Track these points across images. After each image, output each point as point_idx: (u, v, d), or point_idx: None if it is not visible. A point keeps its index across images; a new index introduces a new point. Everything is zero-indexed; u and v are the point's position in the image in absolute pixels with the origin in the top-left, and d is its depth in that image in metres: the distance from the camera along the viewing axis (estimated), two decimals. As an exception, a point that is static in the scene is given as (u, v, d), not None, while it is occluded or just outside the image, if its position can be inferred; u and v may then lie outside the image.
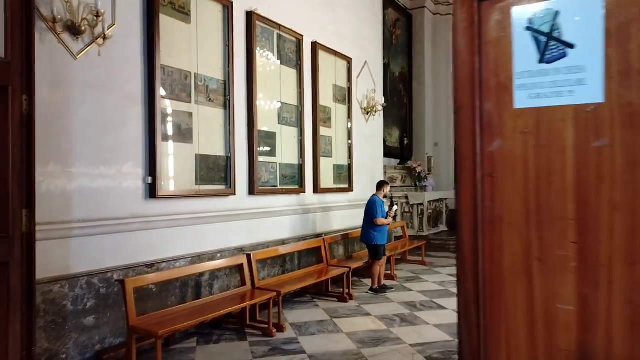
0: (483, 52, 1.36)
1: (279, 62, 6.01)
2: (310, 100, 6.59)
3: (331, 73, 7.13)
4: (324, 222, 6.77)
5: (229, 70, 5.13)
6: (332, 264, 6.05)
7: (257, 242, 5.46)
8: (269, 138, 5.82)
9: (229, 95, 5.13)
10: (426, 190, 10.34)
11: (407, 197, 9.89)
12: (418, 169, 10.32)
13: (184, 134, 4.64)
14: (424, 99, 12.25)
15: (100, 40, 3.77)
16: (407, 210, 9.97)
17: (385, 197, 6.47)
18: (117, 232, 3.98)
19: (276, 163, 5.91)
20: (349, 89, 7.58)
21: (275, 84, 5.95)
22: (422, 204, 10.00)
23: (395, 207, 6.60)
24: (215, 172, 5.00)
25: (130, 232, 4.09)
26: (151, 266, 4.21)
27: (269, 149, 5.78)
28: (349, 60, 7.55)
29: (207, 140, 4.88)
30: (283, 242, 5.82)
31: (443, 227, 11.19)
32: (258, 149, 5.53)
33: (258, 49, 5.57)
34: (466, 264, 1.39)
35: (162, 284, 4.24)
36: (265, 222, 5.66)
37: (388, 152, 9.88)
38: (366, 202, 7.66)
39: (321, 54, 6.79)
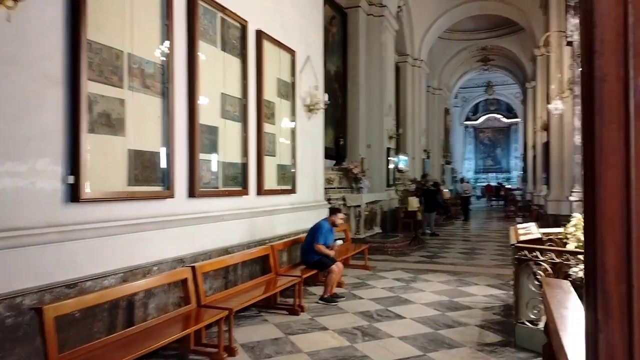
0: (637, 4, 0.98)
1: (222, 48, 5.37)
2: (254, 93, 6.01)
3: (275, 66, 6.59)
4: (267, 227, 6.21)
5: (168, 53, 4.42)
6: (281, 273, 5.52)
7: (199, 252, 4.79)
8: (211, 133, 5.16)
9: (168, 81, 4.43)
10: (362, 192, 10.14)
11: (344, 199, 9.61)
12: (355, 170, 10.09)
13: (114, 124, 3.87)
14: (358, 99, 12.09)
15: (10, 2, 2.95)
16: (344, 212, 9.67)
17: (334, 225, 6.15)
18: (28, 246, 3.15)
19: (219, 162, 5.27)
20: (293, 84, 7.09)
21: (219, 72, 5.31)
22: (359, 206, 9.78)
23: (339, 242, 6.34)
24: (150, 171, 4.27)
25: (45, 245, 3.27)
26: (73, 286, 3.42)
27: (210, 145, 5.13)
28: (293, 54, 7.06)
29: (141, 133, 4.15)
30: (226, 251, 5.19)
31: (377, 229, 11.09)
32: (200, 145, 4.87)
33: (201, 31, 4.91)
34: (611, 300, 1.00)
35: (88, 307, 3.46)
36: (207, 228, 4.99)
37: (325, 153, 9.52)
38: (309, 204, 7.26)
39: (266, 45, 6.24)
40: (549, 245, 4.57)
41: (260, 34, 6.10)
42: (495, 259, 8.81)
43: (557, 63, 8.67)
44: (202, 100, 4.91)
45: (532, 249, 4.08)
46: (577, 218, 5.16)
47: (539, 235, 4.43)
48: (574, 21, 5.73)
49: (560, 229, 5.62)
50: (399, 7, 14.51)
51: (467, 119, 35.65)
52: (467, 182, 22.55)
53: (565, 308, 2.77)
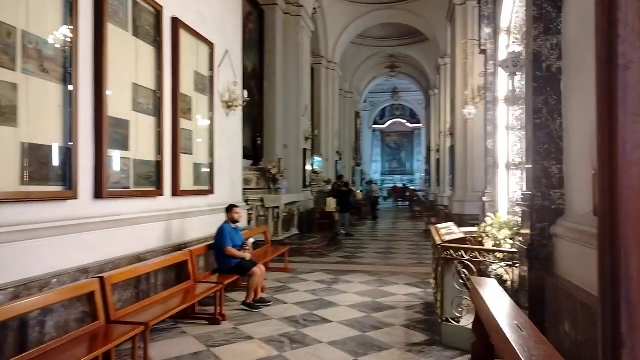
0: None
1: (134, 34, 4.86)
2: (170, 86, 5.54)
3: (193, 58, 6.16)
4: (183, 230, 5.76)
5: (71, 34, 3.86)
6: (200, 280, 5.13)
7: (106, 260, 4.26)
8: (122, 127, 4.63)
9: (71, 66, 3.87)
10: (280, 192, 9.94)
11: (262, 200, 9.34)
12: (273, 171, 9.85)
13: (4, 112, 3.28)
14: (275, 99, 11.87)
15: None
16: (262, 214, 9.41)
17: (234, 221, 5.77)
18: None
19: (129, 159, 4.75)
20: (211, 79, 6.69)
21: (130, 60, 4.79)
22: (277, 208, 9.57)
23: (251, 240, 5.94)
24: (49, 168, 3.69)
25: None
26: (-52, 306, 2.81)
27: (121, 140, 4.61)
28: (211, 46, 6.67)
29: (38, 124, 3.57)
30: (139, 258, 4.69)
31: (295, 231, 10.95)
32: (108, 139, 4.34)
33: (110, 12, 4.38)
34: (636, 311, 0.91)
35: (-32, 332, 2.87)
36: (116, 233, 4.47)
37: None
38: (227, 206, 6.90)
39: (183, 34, 5.79)
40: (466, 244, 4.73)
41: (176, 22, 5.65)
42: (409, 257, 9.09)
43: (470, 70, 9.19)
44: (111, 90, 4.38)
45: (457, 249, 4.18)
46: (493, 218, 5.43)
47: (462, 235, 4.57)
48: (487, 30, 6.04)
49: (474, 229, 5.90)
50: (314, 8, 14.53)
51: (375, 123, 37.06)
52: (375, 184, 23.44)
53: (501, 307, 2.82)
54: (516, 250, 3.91)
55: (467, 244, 4.41)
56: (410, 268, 7.92)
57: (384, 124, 37.29)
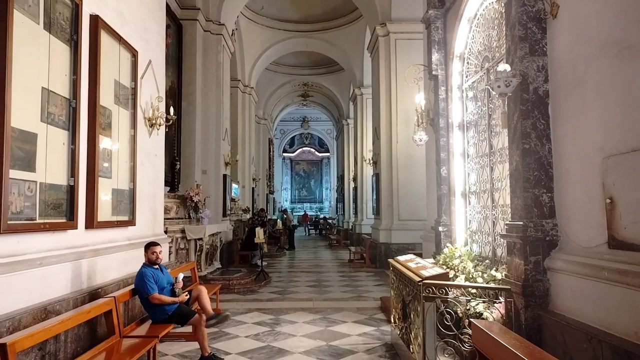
0: None
1: (46, 28, 3.89)
2: (87, 95, 4.57)
3: (114, 65, 5.22)
4: (97, 271, 4.69)
5: (-36, 13, 2.88)
6: (127, 334, 4.11)
7: (1, 316, 3.17)
8: (28, 142, 3.61)
9: (-38, 56, 2.87)
10: (203, 222, 8.96)
11: (183, 231, 8.30)
12: (195, 198, 8.86)
13: None
14: (194, 120, 10.93)
15: None
16: (182, 246, 8.35)
17: (153, 263, 4.80)
18: None
19: (36, 182, 3.70)
20: (134, 91, 5.75)
21: (41, 59, 3.80)
22: (200, 239, 8.58)
23: (181, 275, 4.97)
24: None
25: None
26: None
27: (26, 159, 3.57)
28: (134, 54, 5.75)
29: None
30: (45, 311, 3.60)
31: (217, 264, 9.95)
32: (10, 157, 3.31)
33: (18, -6, 3.43)
34: None
35: None
36: (15, 280, 3.39)
37: (159, 177, 8.14)
38: (148, 239, 5.92)
39: (104, 36, 4.88)
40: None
41: (96, 20, 4.73)
42: (346, 291, 8.57)
43: (414, 97, 9.15)
44: (14, 93, 3.38)
45: (440, 286, 3.74)
46: (454, 249, 5.14)
47: (442, 270, 4.16)
48: (437, 55, 5.92)
49: (431, 260, 5.56)
50: (232, 30, 13.94)
51: (284, 151, 36.95)
52: (290, 213, 23.00)
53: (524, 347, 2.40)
54: (509, 287, 3.57)
55: (449, 280, 4.00)
56: (352, 303, 7.40)
57: (293, 152, 37.33)
